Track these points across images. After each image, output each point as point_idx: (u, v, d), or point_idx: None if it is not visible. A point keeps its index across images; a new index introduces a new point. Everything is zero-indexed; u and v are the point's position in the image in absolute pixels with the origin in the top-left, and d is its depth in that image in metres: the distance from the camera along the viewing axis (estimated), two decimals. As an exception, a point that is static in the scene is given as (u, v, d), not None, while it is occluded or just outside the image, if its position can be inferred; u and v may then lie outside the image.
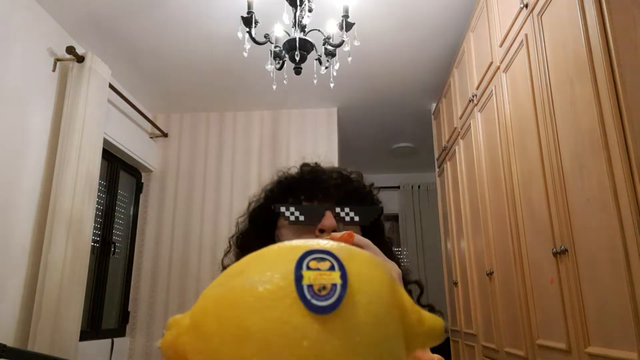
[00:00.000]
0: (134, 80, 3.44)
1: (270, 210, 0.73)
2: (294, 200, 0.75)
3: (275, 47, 2.30)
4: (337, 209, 0.71)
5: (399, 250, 5.28)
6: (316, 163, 0.82)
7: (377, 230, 0.77)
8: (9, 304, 2.34)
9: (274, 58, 2.31)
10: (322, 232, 0.70)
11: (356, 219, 0.71)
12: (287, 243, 0.42)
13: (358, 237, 0.59)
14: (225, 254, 0.82)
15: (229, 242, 0.82)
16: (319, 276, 0.36)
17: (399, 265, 0.67)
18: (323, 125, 3.91)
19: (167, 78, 3.43)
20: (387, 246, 0.77)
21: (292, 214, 0.70)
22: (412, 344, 0.42)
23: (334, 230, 0.68)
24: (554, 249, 1.57)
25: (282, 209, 0.71)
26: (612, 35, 1.27)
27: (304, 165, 0.81)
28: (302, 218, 0.70)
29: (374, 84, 3.49)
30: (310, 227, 0.71)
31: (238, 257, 0.78)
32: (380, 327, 0.37)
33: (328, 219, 0.69)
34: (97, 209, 2.95)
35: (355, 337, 0.35)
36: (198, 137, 3.96)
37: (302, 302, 0.35)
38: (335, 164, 3.79)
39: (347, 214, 0.71)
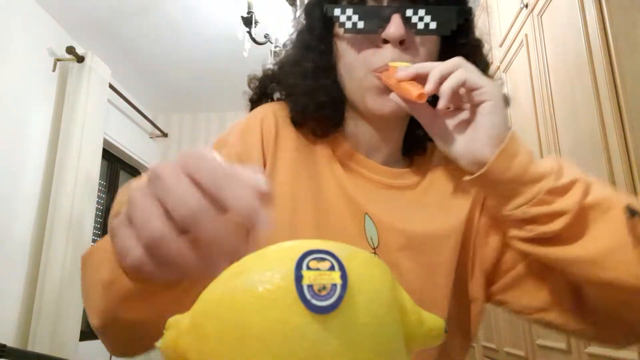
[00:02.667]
0: (134, 80, 3.44)
1: (324, 10, 0.57)
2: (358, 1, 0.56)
3: (275, 47, 2.31)
4: (409, 11, 0.53)
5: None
6: None
7: (466, 38, 0.59)
8: (9, 304, 2.34)
9: (274, 58, 2.31)
10: (386, 43, 0.55)
11: (432, 25, 0.54)
12: (287, 243, 0.42)
13: (432, 67, 0.48)
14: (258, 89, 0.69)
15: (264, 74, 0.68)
16: (319, 276, 0.36)
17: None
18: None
19: (167, 78, 3.43)
20: (482, 59, 0.61)
21: (348, 18, 0.54)
22: (412, 344, 0.42)
23: (402, 43, 0.54)
24: (554, 249, 1.57)
25: (337, 11, 0.55)
26: (612, 35, 1.27)
27: None
28: (360, 25, 0.54)
29: (374, 84, 3.49)
30: (371, 35, 0.55)
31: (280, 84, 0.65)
32: (380, 327, 0.37)
33: (394, 25, 0.53)
34: (97, 209, 2.95)
35: (355, 337, 0.35)
36: (198, 137, 3.96)
37: (302, 302, 0.35)
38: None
39: (420, 19, 0.53)
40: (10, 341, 2.28)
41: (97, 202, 2.95)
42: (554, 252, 0.47)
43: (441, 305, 0.54)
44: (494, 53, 2.20)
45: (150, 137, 3.88)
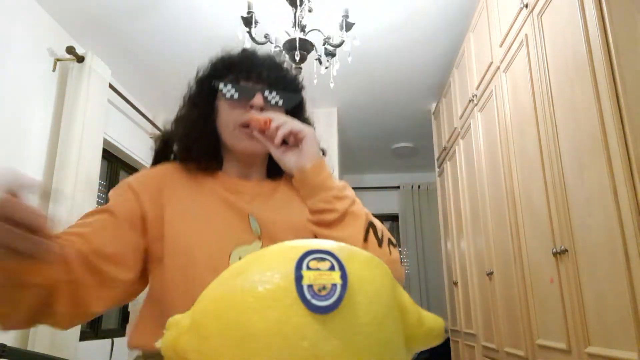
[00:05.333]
0: (134, 80, 3.44)
1: (212, 84, 0.88)
2: (233, 77, 0.86)
3: (275, 47, 2.31)
4: (266, 92, 0.85)
5: (400, 250, 5.28)
6: (254, 50, 0.95)
7: (299, 110, 0.94)
8: (9, 304, 2.34)
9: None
10: (252, 108, 0.84)
11: (280, 102, 0.87)
12: (287, 243, 0.42)
13: (277, 118, 0.81)
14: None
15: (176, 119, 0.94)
16: (319, 276, 0.36)
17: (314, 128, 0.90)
18: (323, 125, 3.90)
19: (167, 78, 3.43)
20: (306, 122, 0.93)
21: (228, 90, 0.84)
22: (412, 344, 0.42)
23: (262, 109, 0.84)
24: (554, 249, 1.57)
25: (221, 85, 0.85)
26: (612, 35, 1.27)
27: (244, 49, 0.93)
28: (236, 95, 0.84)
29: (374, 84, 3.49)
30: (242, 102, 0.84)
31: (180, 124, 0.91)
32: (380, 328, 0.37)
33: (257, 99, 0.84)
34: (97, 209, 2.94)
35: (355, 337, 0.35)
36: (198, 137, 3.96)
37: (302, 302, 0.35)
38: (335, 163, 3.80)
39: (273, 98, 0.86)
40: (10, 341, 2.28)
41: (97, 202, 2.95)
42: (324, 233, 0.79)
43: None
44: (494, 53, 2.20)
45: (150, 137, 3.87)
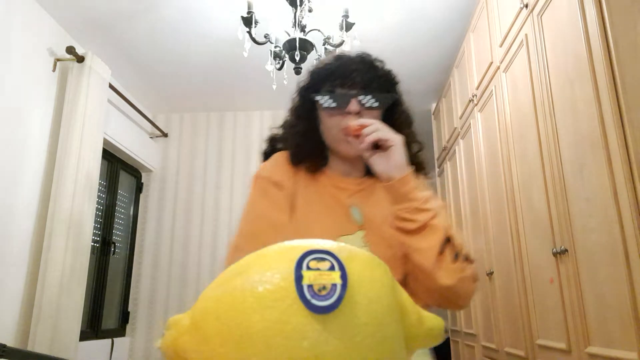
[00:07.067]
0: (134, 80, 3.44)
1: (311, 96, 0.95)
2: (329, 86, 0.93)
3: (275, 47, 2.30)
4: (361, 97, 0.91)
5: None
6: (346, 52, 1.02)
7: (396, 105, 0.98)
8: (9, 304, 2.34)
9: (274, 58, 2.31)
10: (349, 114, 0.91)
11: (375, 105, 0.91)
12: (287, 243, 0.42)
13: (369, 124, 0.86)
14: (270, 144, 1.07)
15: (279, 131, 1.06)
16: (319, 276, 0.36)
17: (413, 141, 0.98)
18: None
19: (167, 78, 3.43)
20: (406, 120, 0.99)
21: (325, 101, 0.91)
22: (412, 344, 0.42)
23: (358, 113, 0.90)
24: (554, 249, 1.57)
25: (318, 97, 0.92)
26: (612, 35, 1.27)
27: (339, 56, 0.98)
28: (333, 105, 0.91)
29: (374, 84, 3.48)
30: (340, 109, 0.91)
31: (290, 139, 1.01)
32: (380, 328, 0.37)
33: (353, 106, 0.90)
34: (97, 209, 2.95)
35: (355, 337, 0.35)
36: (198, 137, 3.97)
37: (302, 302, 0.35)
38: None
39: (368, 101, 0.91)
40: (10, 341, 2.28)
41: (97, 202, 2.95)
42: (404, 239, 0.85)
43: (401, 258, 0.89)
44: (494, 53, 2.20)
45: (150, 137, 3.87)
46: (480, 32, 2.41)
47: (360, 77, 0.92)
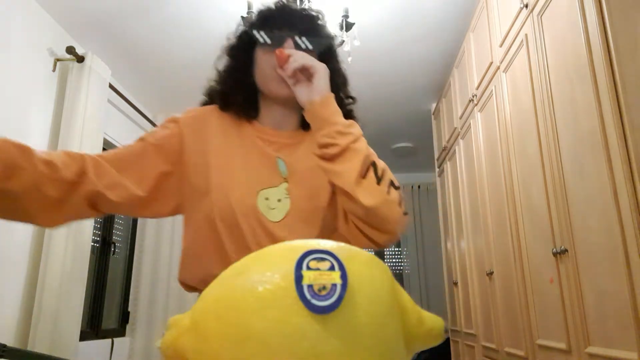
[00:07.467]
0: (134, 80, 3.44)
1: (248, 35, 0.97)
2: (267, 27, 0.95)
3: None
4: (297, 38, 0.93)
5: (398, 250, 5.28)
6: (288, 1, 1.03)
7: (330, 57, 1.00)
8: (9, 304, 2.34)
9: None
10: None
11: (310, 47, 0.94)
12: (287, 243, 0.42)
13: (295, 53, 0.88)
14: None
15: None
16: (319, 276, 0.36)
17: (346, 96, 1.03)
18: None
19: (167, 78, 3.43)
20: (338, 72, 1.01)
21: (261, 36, 0.94)
22: (412, 344, 0.42)
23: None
24: (554, 249, 1.57)
25: (255, 32, 0.94)
26: (612, 35, 1.27)
27: (278, 2, 1.01)
28: (268, 41, 0.93)
29: (374, 84, 3.49)
30: (275, 49, 0.92)
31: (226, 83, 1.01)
32: (380, 328, 0.37)
33: (288, 44, 0.92)
34: (97, 209, 2.94)
35: (355, 337, 0.35)
36: (198, 137, 3.96)
37: (302, 302, 0.35)
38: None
39: (303, 42, 0.93)
40: (10, 341, 2.28)
41: (97, 202, 2.95)
42: (327, 166, 0.84)
43: (325, 195, 0.92)
44: (494, 53, 2.20)
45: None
46: (480, 32, 2.41)
47: (298, 21, 0.95)
